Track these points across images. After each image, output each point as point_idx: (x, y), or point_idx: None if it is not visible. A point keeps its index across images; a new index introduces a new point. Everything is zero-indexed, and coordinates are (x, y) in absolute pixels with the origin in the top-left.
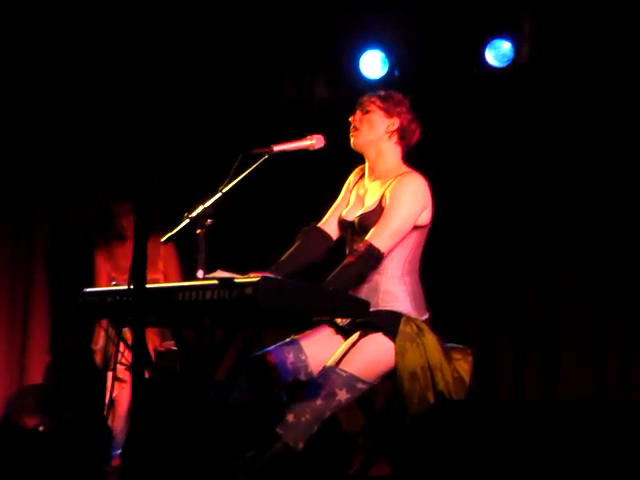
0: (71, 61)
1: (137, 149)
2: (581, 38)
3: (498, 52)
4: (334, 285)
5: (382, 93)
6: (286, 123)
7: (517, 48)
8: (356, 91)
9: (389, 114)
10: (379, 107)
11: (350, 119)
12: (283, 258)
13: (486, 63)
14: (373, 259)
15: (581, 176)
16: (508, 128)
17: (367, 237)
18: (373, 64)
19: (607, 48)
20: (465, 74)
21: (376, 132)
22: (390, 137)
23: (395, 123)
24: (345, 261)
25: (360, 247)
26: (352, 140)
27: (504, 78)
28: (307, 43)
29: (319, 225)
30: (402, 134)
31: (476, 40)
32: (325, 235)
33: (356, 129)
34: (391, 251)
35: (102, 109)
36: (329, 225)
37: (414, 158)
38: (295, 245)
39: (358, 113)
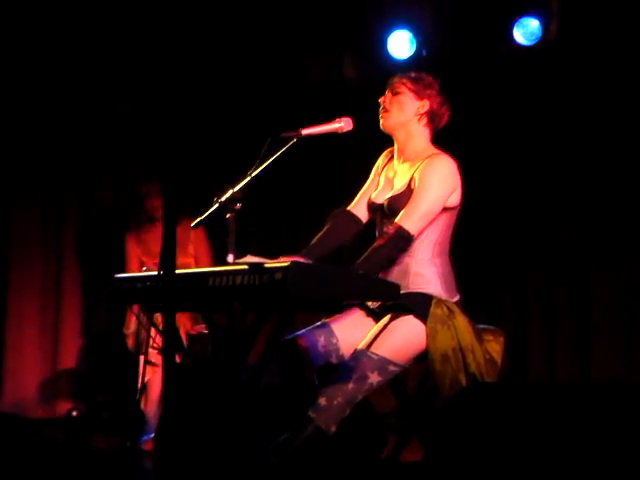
0: (99, 43)
1: (166, 133)
2: (610, 15)
3: (526, 30)
4: (364, 268)
5: (413, 75)
6: (314, 104)
7: (545, 26)
8: (384, 71)
9: (419, 96)
10: (409, 89)
11: (380, 100)
12: (313, 242)
13: (514, 41)
14: (403, 241)
15: (612, 155)
16: (537, 107)
17: (396, 219)
18: (401, 44)
19: (636, 25)
20: (493, 53)
21: (406, 114)
22: (420, 119)
23: (425, 105)
24: (375, 244)
25: (390, 229)
26: (381, 122)
27: (532, 56)
28: (335, 24)
29: (348, 208)
30: (432, 117)
31: (504, 18)
32: (355, 218)
33: (386, 110)
34: (421, 233)
35: (131, 92)
36: (358, 208)
37: (442, 138)
38: (325, 229)
39: (388, 94)
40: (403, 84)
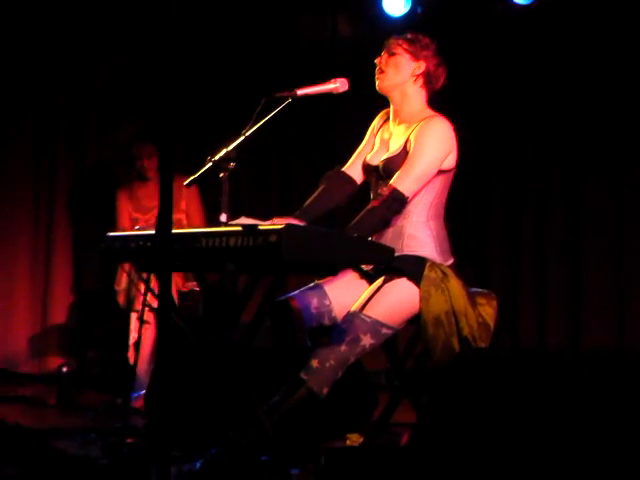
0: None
1: (160, 91)
2: None
3: None
4: (358, 229)
5: (409, 36)
6: (308, 63)
7: None
8: (378, 29)
9: (415, 57)
10: (405, 50)
11: (376, 61)
12: (307, 202)
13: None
14: (397, 203)
15: (609, 114)
16: (533, 65)
17: (391, 181)
18: (396, 1)
19: None
20: (488, 11)
21: (402, 75)
22: (415, 81)
23: (421, 67)
24: (369, 205)
25: (384, 191)
26: (377, 83)
27: (529, 15)
28: None
29: (343, 169)
30: (428, 78)
31: None
32: (349, 179)
33: (382, 71)
34: (416, 195)
35: (126, 47)
36: (353, 169)
37: (437, 98)
38: (319, 189)
39: (384, 55)
40: (399, 45)
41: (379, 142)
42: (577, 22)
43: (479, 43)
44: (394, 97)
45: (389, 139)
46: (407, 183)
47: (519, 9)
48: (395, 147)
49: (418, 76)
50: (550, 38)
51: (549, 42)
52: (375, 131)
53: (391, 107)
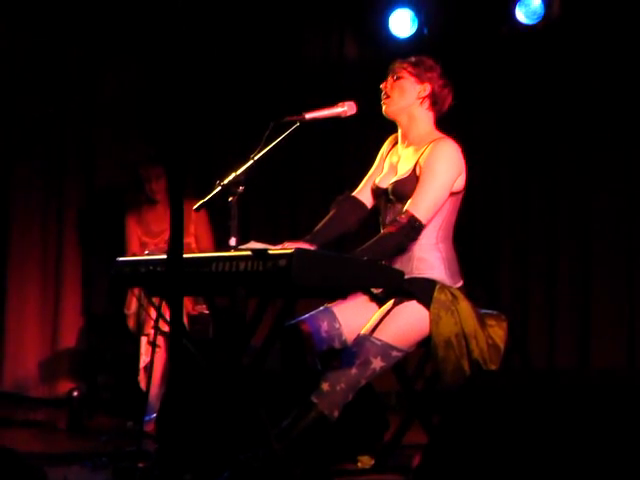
0: (106, 19)
1: (170, 115)
2: None
3: (528, 9)
4: (371, 252)
5: (413, 59)
6: (314, 83)
7: (547, 4)
8: (385, 50)
9: (420, 80)
10: (410, 73)
11: (381, 86)
12: (317, 227)
13: (516, 20)
14: (414, 232)
15: (614, 134)
16: (539, 87)
17: (407, 207)
18: (402, 23)
19: (638, 3)
20: (494, 32)
21: (407, 98)
22: (422, 103)
23: (426, 89)
24: (385, 230)
25: (402, 218)
26: (384, 108)
27: (534, 35)
28: (336, 2)
29: (353, 194)
30: (434, 100)
31: None
32: (359, 204)
33: (387, 96)
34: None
35: (133, 73)
36: (363, 194)
37: (444, 118)
38: (329, 214)
39: (389, 79)
40: (403, 68)
41: (388, 166)
42: (582, 42)
43: (485, 64)
44: (401, 120)
45: (397, 162)
46: (423, 210)
47: (525, 30)
48: (404, 170)
49: (424, 98)
50: (556, 58)
51: (555, 62)
52: (384, 155)
53: (399, 130)
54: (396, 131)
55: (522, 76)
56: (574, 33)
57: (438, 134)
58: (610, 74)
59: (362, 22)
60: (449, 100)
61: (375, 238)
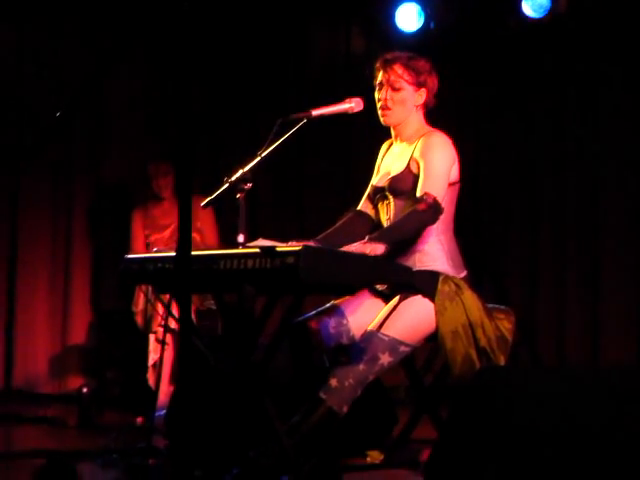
0: (115, 18)
1: (179, 112)
2: None
3: (535, 2)
4: (396, 229)
5: (404, 61)
6: (322, 80)
7: None
8: (392, 45)
9: (418, 86)
10: (408, 82)
11: (377, 96)
12: (327, 232)
13: (522, 14)
14: (437, 214)
15: (622, 128)
16: (547, 79)
17: (427, 191)
18: (409, 17)
19: None
20: (501, 25)
21: (408, 109)
22: (418, 109)
23: (423, 94)
24: (417, 207)
25: (428, 197)
26: (383, 119)
27: (541, 29)
28: None
29: (359, 208)
30: (429, 100)
31: None
32: (366, 216)
33: (387, 108)
34: None
35: (143, 71)
36: (367, 205)
37: (448, 112)
38: (337, 224)
39: (387, 90)
40: (401, 77)
41: (383, 167)
42: (589, 35)
43: (492, 58)
44: (397, 126)
45: (392, 160)
46: (440, 196)
47: (532, 23)
48: (398, 166)
49: (422, 104)
50: (563, 52)
51: (562, 55)
52: (379, 161)
53: (393, 133)
54: (387, 132)
55: (530, 69)
56: (580, 26)
57: (428, 128)
58: (617, 66)
59: (369, 17)
60: (437, 87)
61: (402, 216)
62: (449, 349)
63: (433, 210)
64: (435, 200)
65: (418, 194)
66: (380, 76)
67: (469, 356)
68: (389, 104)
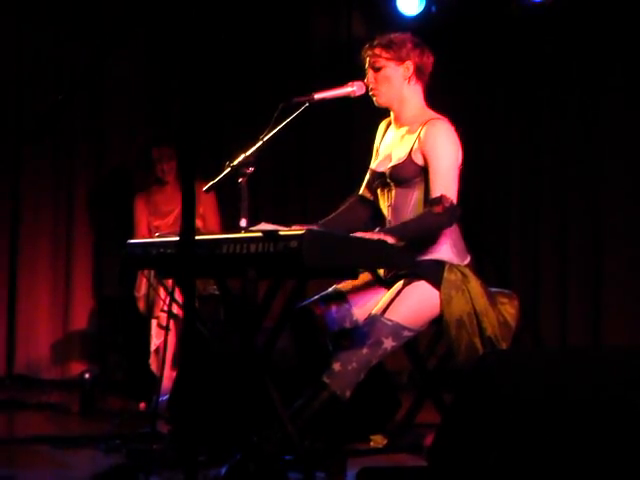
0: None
1: (184, 97)
2: None
3: None
4: (413, 227)
5: (382, 41)
6: (323, 64)
7: None
8: (393, 29)
9: (400, 60)
10: (387, 59)
11: (365, 82)
12: (330, 217)
13: None
14: (455, 218)
15: (624, 111)
16: (550, 64)
17: (443, 192)
18: (410, 1)
19: None
20: (503, 9)
21: (395, 85)
22: (409, 81)
23: (409, 67)
24: (432, 209)
25: (446, 200)
26: (374, 100)
27: (543, 12)
28: None
29: (360, 193)
30: (419, 72)
31: None
32: (369, 202)
33: (375, 89)
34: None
35: (144, 55)
36: (368, 190)
37: (450, 95)
38: (340, 209)
39: (370, 73)
40: (378, 56)
41: (383, 150)
42: (593, 19)
43: (494, 41)
44: (393, 106)
45: (392, 145)
46: (454, 194)
47: (534, 7)
48: (400, 154)
49: (410, 77)
50: (566, 35)
51: (565, 40)
52: (379, 142)
53: (392, 114)
54: (388, 115)
55: (532, 54)
56: (583, 10)
57: (430, 113)
58: (624, 52)
59: (370, 1)
60: (431, 63)
61: (418, 215)
62: (453, 337)
63: (450, 213)
64: (452, 204)
65: (433, 194)
66: (366, 63)
67: (473, 344)
68: (373, 85)
